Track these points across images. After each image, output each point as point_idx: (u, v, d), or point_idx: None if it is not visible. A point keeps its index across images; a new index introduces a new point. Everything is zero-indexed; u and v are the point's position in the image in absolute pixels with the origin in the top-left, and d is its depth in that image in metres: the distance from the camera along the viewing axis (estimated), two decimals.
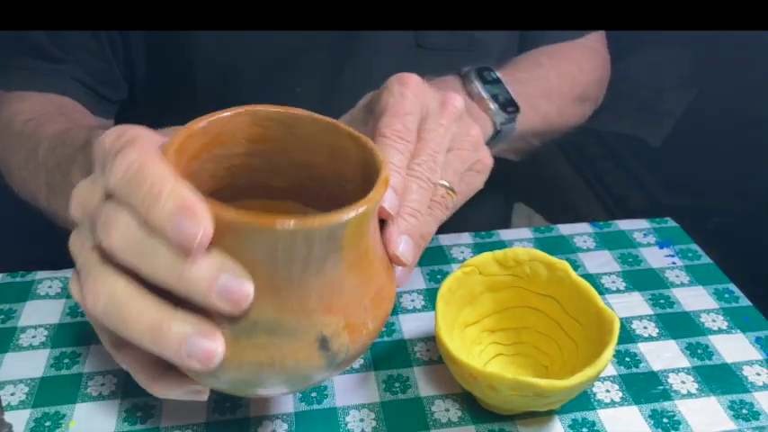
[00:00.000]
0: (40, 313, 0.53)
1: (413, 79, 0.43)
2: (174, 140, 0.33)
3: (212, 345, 0.31)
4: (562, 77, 0.69)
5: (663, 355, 0.51)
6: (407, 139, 0.41)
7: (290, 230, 0.30)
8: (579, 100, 0.72)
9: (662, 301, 0.56)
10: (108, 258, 0.32)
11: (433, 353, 0.50)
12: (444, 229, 0.63)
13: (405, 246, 0.39)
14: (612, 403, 0.47)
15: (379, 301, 0.36)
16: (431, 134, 0.43)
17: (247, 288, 0.30)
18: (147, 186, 0.30)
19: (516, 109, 0.58)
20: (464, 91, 0.57)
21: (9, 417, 0.45)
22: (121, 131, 0.33)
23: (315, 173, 0.40)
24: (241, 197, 0.40)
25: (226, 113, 0.36)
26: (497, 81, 0.58)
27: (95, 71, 0.65)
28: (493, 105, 0.56)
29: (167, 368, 0.35)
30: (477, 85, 0.56)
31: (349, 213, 0.31)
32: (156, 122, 0.41)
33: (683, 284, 0.57)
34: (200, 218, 0.29)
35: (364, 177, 0.36)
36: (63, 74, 0.64)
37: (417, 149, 0.42)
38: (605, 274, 0.58)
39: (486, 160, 0.49)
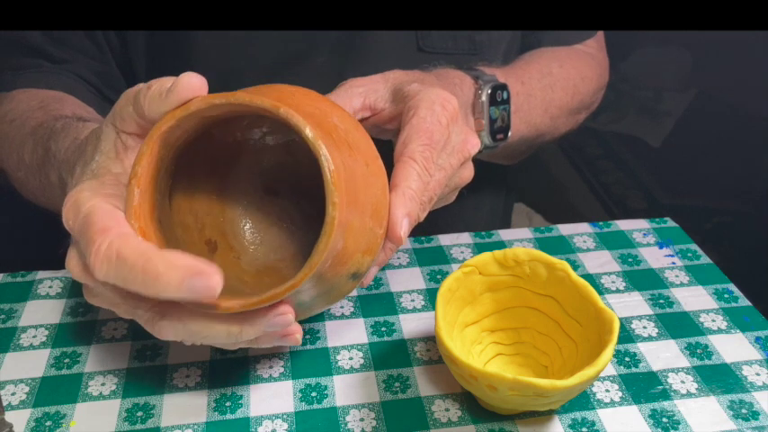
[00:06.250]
0: (40, 313, 0.53)
1: (453, 105, 0.45)
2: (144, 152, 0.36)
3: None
4: (566, 89, 0.69)
5: (662, 354, 0.51)
6: (431, 172, 0.44)
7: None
8: (576, 111, 0.72)
9: (661, 301, 0.56)
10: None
11: (433, 353, 0.50)
12: (444, 229, 0.63)
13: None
14: (612, 403, 0.47)
15: (380, 220, 0.40)
16: (441, 173, 0.45)
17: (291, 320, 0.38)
18: (140, 272, 0.32)
19: (505, 137, 0.59)
20: (472, 99, 0.57)
21: (10, 416, 0.45)
22: (75, 208, 0.35)
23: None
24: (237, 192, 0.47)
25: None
26: (506, 102, 0.58)
27: (96, 72, 0.65)
28: (486, 129, 0.57)
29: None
30: (484, 105, 0.57)
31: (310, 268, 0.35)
32: None
33: (682, 284, 0.57)
34: (208, 273, 0.32)
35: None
36: (66, 72, 0.63)
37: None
38: (605, 274, 0.58)
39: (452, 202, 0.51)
